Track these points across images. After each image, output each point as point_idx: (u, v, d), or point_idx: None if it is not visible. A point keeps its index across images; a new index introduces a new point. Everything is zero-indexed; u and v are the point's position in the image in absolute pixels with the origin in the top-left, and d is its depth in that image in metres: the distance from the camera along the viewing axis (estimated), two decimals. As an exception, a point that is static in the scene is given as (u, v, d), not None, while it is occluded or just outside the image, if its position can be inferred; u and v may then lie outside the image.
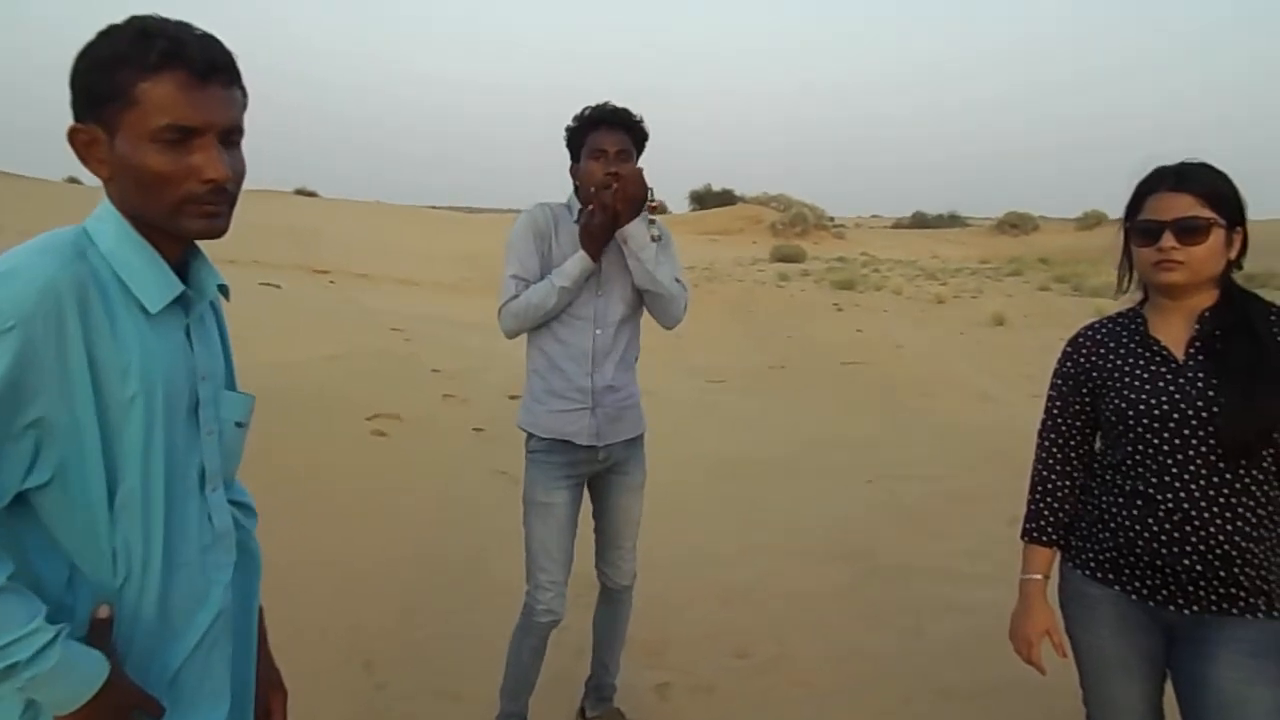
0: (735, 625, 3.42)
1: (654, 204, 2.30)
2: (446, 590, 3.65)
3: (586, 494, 2.54)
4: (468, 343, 9.15)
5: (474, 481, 5.04)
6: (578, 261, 2.29)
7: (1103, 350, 1.76)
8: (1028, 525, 1.84)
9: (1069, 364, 1.81)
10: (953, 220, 55.74)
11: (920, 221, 57.39)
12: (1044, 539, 1.82)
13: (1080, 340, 1.83)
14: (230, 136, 1.14)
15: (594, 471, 2.47)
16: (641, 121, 2.37)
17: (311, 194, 57.22)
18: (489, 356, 8.15)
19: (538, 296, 2.30)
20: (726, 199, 51.82)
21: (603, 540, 2.59)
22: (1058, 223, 48.41)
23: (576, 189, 2.43)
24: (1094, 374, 1.75)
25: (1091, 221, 41.87)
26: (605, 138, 2.31)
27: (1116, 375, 1.70)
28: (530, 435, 2.43)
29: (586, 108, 2.36)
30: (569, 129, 2.39)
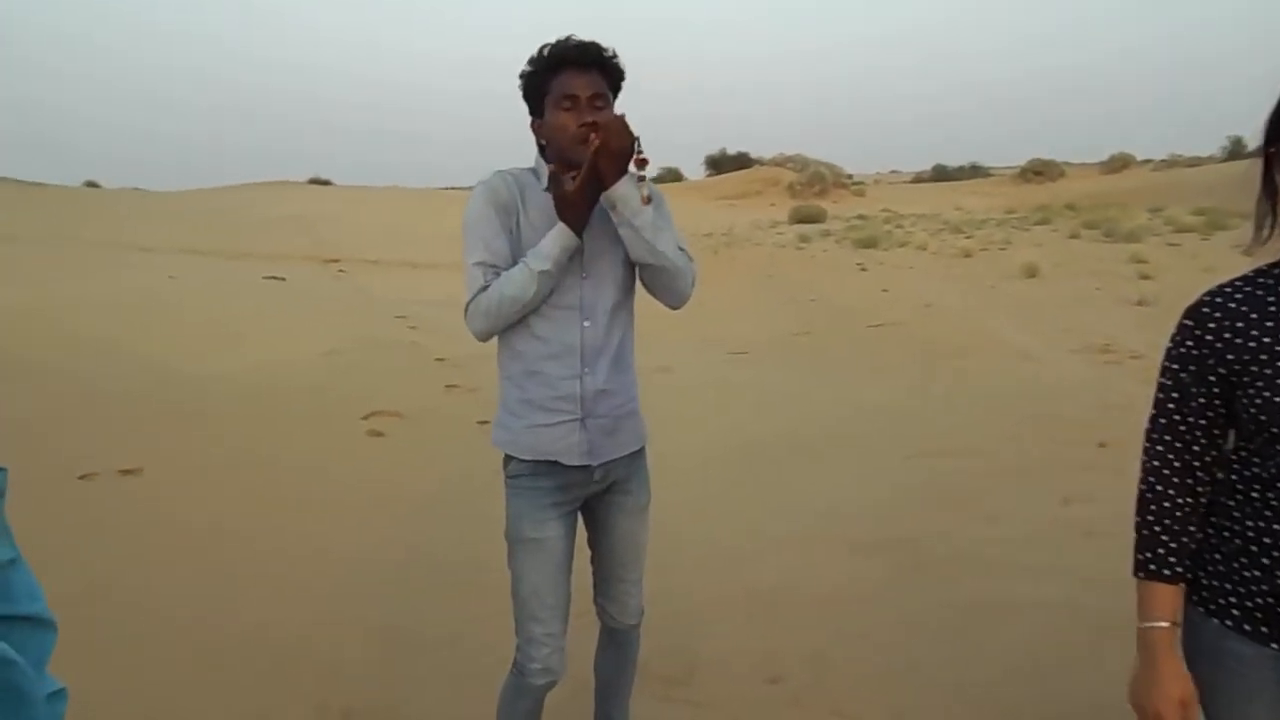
0: (764, 642, 3.01)
1: (642, 156, 1.81)
2: (443, 594, 3.28)
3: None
4: (475, 327, 8.77)
5: (478, 478, 4.67)
6: (557, 237, 1.82)
7: (1241, 324, 1.25)
8: (1142, 556, 1.35)
9: (1190, 343, 1.30)
10: (974, 171, 54.65)
11: (941, 174, 56.35)
12: (1167, 572, 1.33)
13: (1206, 311, 1.30)
14: None
15: (590, 495, 2.02)
16: (615, 58, 1.90)
17: (325, 183, 57.11)
18: (495, 341, 7.77)
19: (513, 286, 1.82)
20: (743, 162, 51.05)
21: (603, 573, 2.13)
22: (1083, 168, 47.26)
23: (543, 149, 1.95)
24: (1229, 356, 1.25)
25: (1118, 164, 40.83)
26: (574, 80, 1.84)
27: (1265, 358, 1.23)
28: (509, 458, 1.98)
29: (545, 46, 1.87)
30: (525, 75, 1.91)
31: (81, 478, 4.21)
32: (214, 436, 4.91)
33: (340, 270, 15.30)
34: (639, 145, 1.79)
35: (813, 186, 38.30)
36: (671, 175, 55.09)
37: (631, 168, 1.81)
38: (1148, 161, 42.06)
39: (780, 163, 45.88)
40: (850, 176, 44.08)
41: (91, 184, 51.57)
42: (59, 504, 3.89)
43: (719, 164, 53.01)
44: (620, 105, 1.91)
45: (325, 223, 23.01)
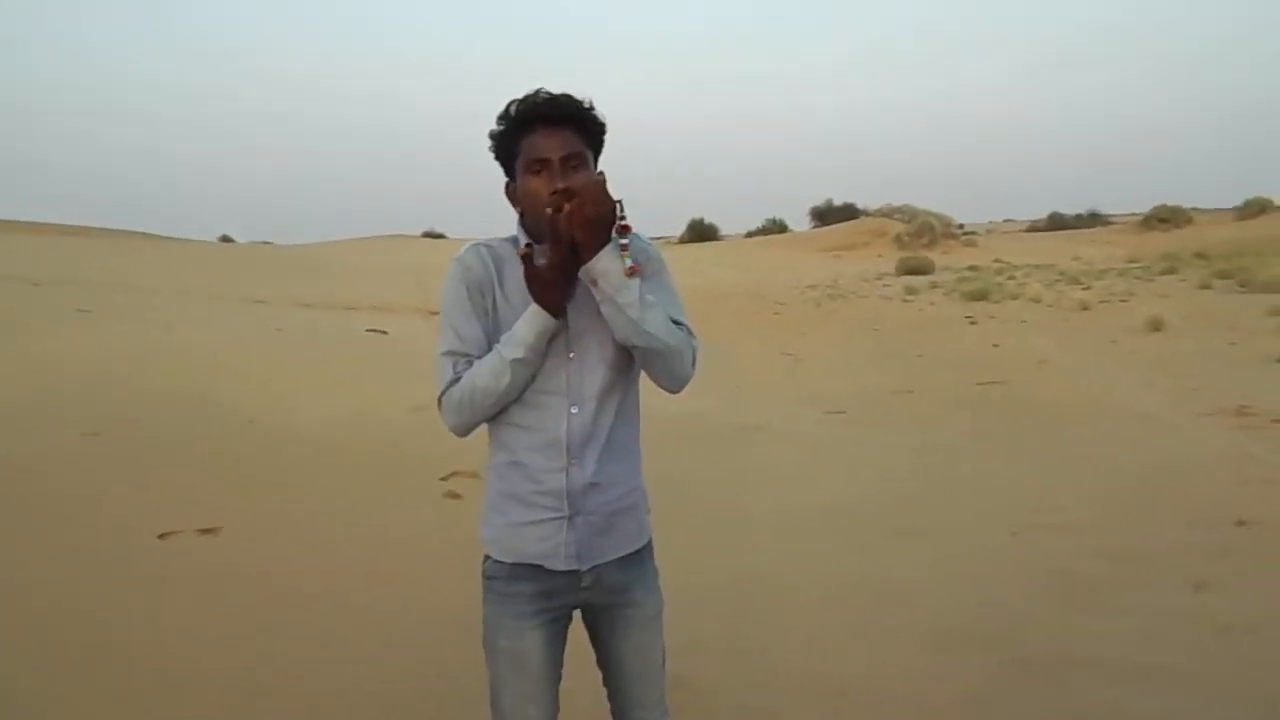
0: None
1: (624, 223, 1.60)
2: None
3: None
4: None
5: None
6: (531, 320, 1.62)
7: None
8: None
9: None
10: (1093, 219, 52.65)
11: (1058, 223, 54.46)
12: None
13: None
14: None
15: (580, 602, 1.78)
16: (592, 110, 1.67)
17: (439, 236, 59.16)
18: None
19: (484, 377, 1.62)
20: (849, 213, 50.48)
21: (618, 701, 1.86)
22: (1213, 214, 44.89)
23: (522, 216, 1.74)
24: None
25: (1254, 209, 38.54)
26: (544, 141, 1.64)
27: None
28: (487, 555, 1.77)
29: (513, 103, 1.66)
30: (494, 135, 1.70)
31: (161, 536, 4.23)
32: (293, 494, 4.90)
33: (443, 322, 15.62)
34: (621, 209, 1.58)
35: (921, 237, 37.46)
36: (776, 227, 54.88)
37: (614, 236, 1.60)
38: (1288, 206, 39.61)
39: (887, 213, 45.12)
40: (961, 226, 43.05)
41: (226, 238, 54.88)
42: (135, 565, 3.90)
43: (824, 215, 52.54)
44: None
45: (433, 274, 23.61)
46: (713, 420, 7.42)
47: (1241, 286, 15.61)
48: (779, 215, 56.86)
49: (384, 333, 11.90)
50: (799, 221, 54.94)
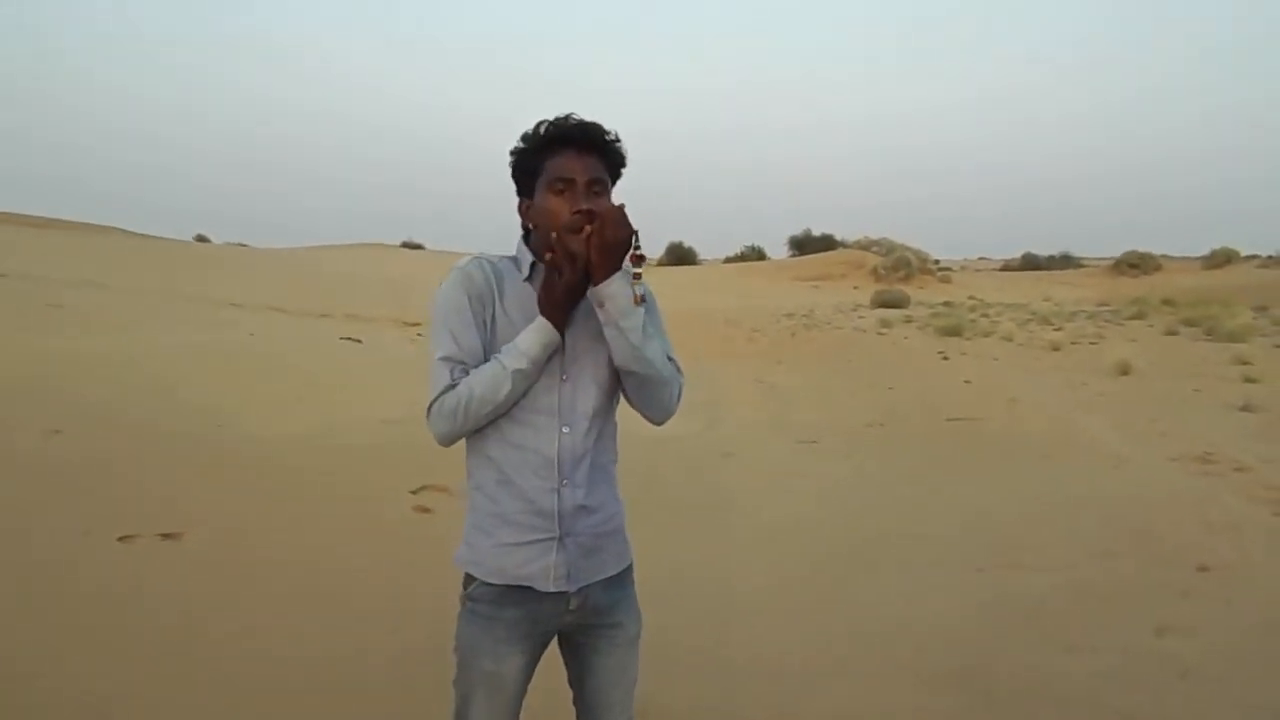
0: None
1: (639, 252, 1.64)
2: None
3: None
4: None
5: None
6: (537, 333, 1.64)
7: None
8: None
9: None
10: (1065, 261, 53.34)
11: (1031, 263, 55.16)
12: None
13: None
14: None
15: (564, 624, 1.78)
16: (618, 141, 1.73)
17: (418, 246, 58.94)
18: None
19: (483, 385, 1.64)
20: (827, 243, 50.86)
21: (589, 715, 1.85)
22: (1181, 261, 45.67)
23: (527, 234, 1.78)
24: None
25: (1220, 259, 39.28)
26: (571, 163, 1.68)
27: None
28: (470, 576, 1.77)
29: (542, 123, 1.71)
30: (517, 152, 1.74)
31: (121, 539, 4.14)
32: (259, 503, 4.82)
33: (419, 334, 15.50)
34: (637, 240, 1.62)
35: (897, 271, 37.80)
36: (755, 254, 55.20)
37: (626, 263, 1.63)
38: (1253, 257, 40.37)
39: (865, 245, 45.54)
40: (937, 262, 43.45)
41: (201, 238, 54.34)
42: (95, 567, 3.81)
43: (803, 245, 52.90)
44: (626, 193, 1.74)
45: (411, 286, 23.51)
46: (684, 446, 7.41)
47: (1207, 335, 15.86)
48: (757, 242, 57.30)
49: (358, 341, 11.81)
50: (777, 250, 55.34)
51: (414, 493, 5.22)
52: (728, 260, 55.89)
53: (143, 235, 40.02)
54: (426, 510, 5.01)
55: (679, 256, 53.45)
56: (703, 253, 57.25)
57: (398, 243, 58.30)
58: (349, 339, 11.90)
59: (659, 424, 1.80)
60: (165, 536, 4.22)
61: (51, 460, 4.78)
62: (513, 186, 1.80)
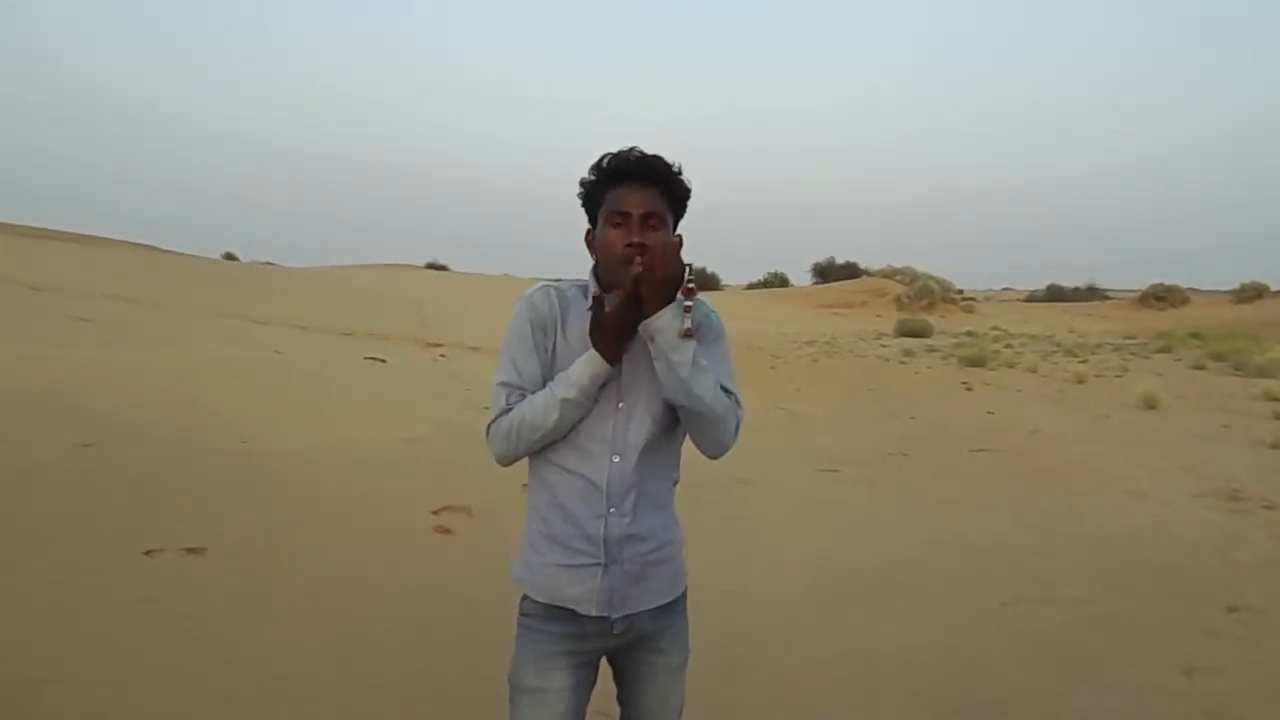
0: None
1: (690, 286, 1.68)
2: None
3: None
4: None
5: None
6: (587, 364, 1.69)
7: None
8: None
9: None
10: (1091, 293, 53.00)
11: (1056, 294, 54.87)
12: None
13: None
14: None
15: (610, 647, 1.82)
16: (680, 174, 1.77)
17: (442, 268, 59.38)
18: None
19: (534, 412, 1.69)
20: (851, 271, 50.84)
21: None
22: (1210, 295, 45.26)
23: (597, 264, 1.83)
24: None
25: (1251, 294, 38.85)
26: (629, 196, 1.73)
27: None
28: (524, 595, 1.81)
29: (606, 155, 1.76)
30: (584, 183, 1.80)
31: (147, 553, 4.19)
32: (280, 519, 4.85)
33: (441, 355, 15.59)
34: (690, 273, 1.66)
35: (921, 300, 37.70)
36: (778, 280, 55.22)
37: (679, 297, 1.66)
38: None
39: (889, 274, 45.46)
40: (960, 292, 43.31)
41: (230, 255, 55.00)
42: (121, 580, 3.85)
43: (826, 272, 52.92)
44: (688, 226, 1.78)
45: (435, 306, 23.70)
46: (703, 470, 7.38)
47: (1236, 369, 15.69)
48: (780, 269, 57.36)
49: (383, 361, 11.90)
50: (800, 276, 55.35)
51: (435, 513, 5.23)
52: (750, 286, 55.94)
53: (172, 252, 40.56)
54: (447, 531, 5.02)
55: (701, 282, 53.39)
56: (725, 278, 57.36)
57: (422, 264, 58.83)
58: (373, 358, 11.98)
59: (714, 458, 1.82)
60: (189, 551, 4.26)
61: (82, 473, 4.84)
62: (583, 215, 1.85)
